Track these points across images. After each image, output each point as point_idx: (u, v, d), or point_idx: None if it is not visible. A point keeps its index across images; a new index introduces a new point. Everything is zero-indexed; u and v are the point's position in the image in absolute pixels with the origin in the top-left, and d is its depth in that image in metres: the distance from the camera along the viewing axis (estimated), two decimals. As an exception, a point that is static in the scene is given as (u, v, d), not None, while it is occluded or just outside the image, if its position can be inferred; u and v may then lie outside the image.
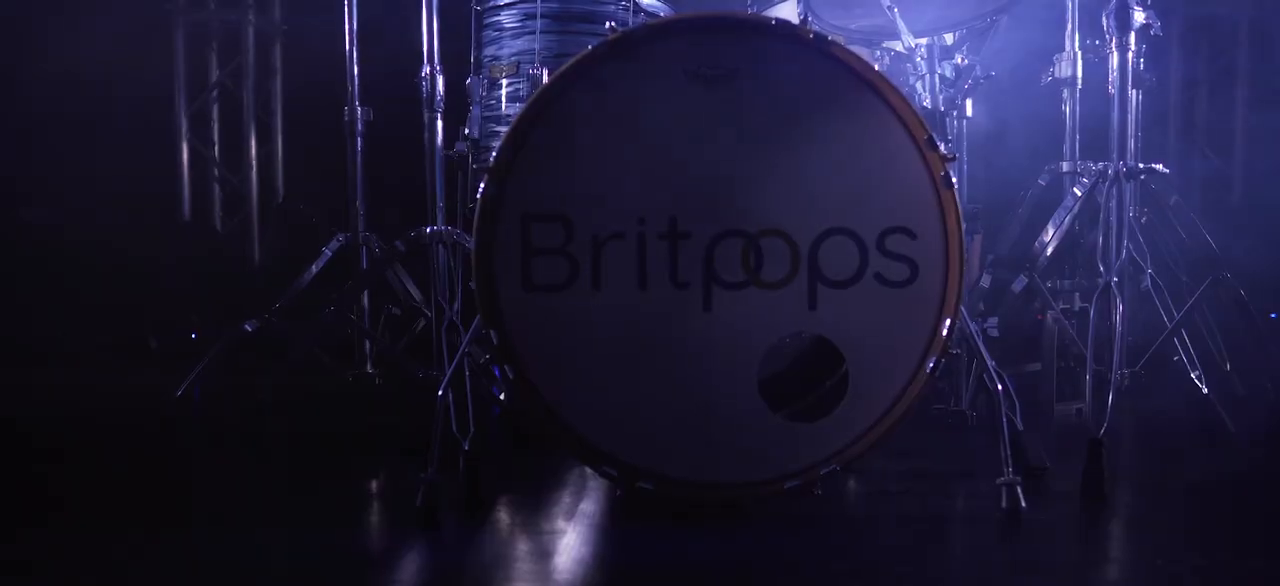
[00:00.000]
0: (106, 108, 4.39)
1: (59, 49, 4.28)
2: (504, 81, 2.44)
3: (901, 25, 1.92)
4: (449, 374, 1.80)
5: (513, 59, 2.44)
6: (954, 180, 1.65)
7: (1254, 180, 4.69)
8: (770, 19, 1.70)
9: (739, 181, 1.69)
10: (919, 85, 1.96)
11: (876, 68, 1.67)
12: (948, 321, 1.64)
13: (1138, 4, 2.10)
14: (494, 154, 1.73)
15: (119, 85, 4.42)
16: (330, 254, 2.49)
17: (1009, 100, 2.92)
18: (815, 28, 1.73)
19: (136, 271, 4.31)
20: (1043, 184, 2.60)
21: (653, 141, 1.70)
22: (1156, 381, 2.38)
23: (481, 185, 1.72)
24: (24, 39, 4.31)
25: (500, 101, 2.46)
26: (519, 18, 2.43)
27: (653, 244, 1.70)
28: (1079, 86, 2.56)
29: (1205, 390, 2.22)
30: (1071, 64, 2.51)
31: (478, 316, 1.73)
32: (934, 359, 1.65)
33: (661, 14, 2.49)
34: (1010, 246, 2.62)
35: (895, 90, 1.65)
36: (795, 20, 2.20)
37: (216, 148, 4.88)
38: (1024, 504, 1.66)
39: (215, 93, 4.84)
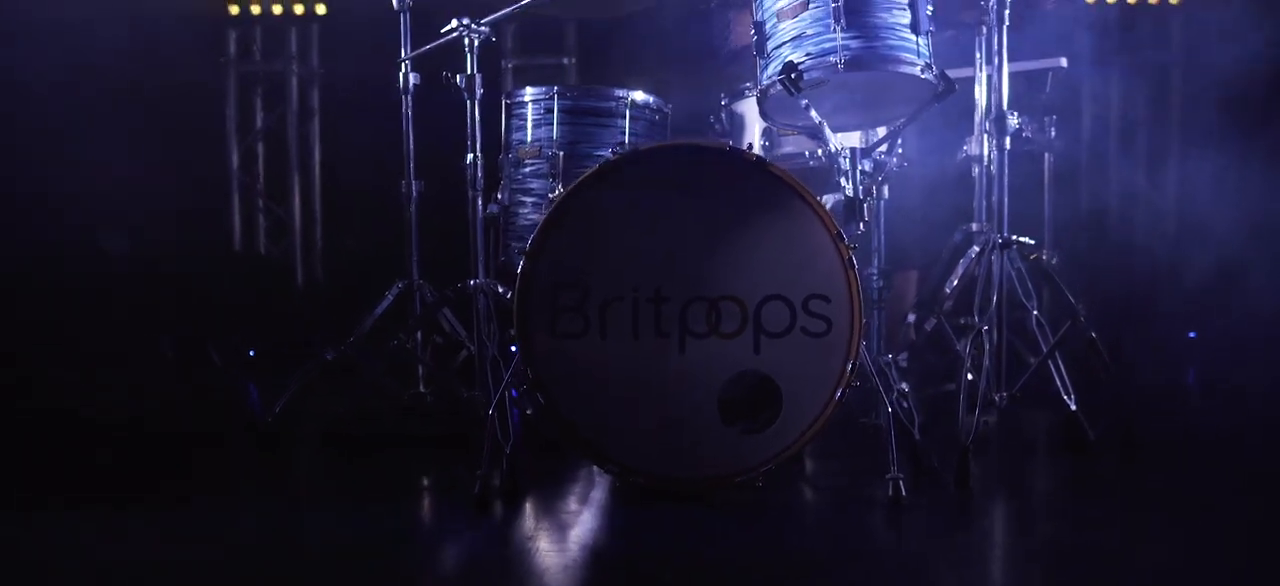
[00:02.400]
0: (169, 148, 5.05)
1: (131, 97, 4.94)
2: (528, 161, 3.11)
3: (828, 133, 2.59)
4: (495, 399, 2.48)
5: (535, 143, 3.09)
6: (855, 263, 2.32)
7: (1186, 207, 5.36)
8: (726, 146, 2.38)
9: (704, 261, 2.37)
10: (843, 180, 2.62)
11: (801, 183, 2.35)
12: (851, 363, 2.32)
13: (1012, 111, 2.78)
14: (530, 240, 2.40)
15: (180, 129, 5.10)
16: (392, 298, 3.15)
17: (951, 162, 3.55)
18: (759, 151, 2.39)
19: (198, 292, 4.97)
20: (957, 240, 3.27)
21: (643, 231, 2.38)
22: (1042, 399, 3.04)
23: (521, 263, 2.39)
24: (100, 87, 4.97)
25: (525, 177, 3.12)
26: (541, 111, 3.10)
27: (643, 305, 2.39)
28: (986, 163, 3.20)
29: (1073, 407, 2.87)
30: (979, 144, 3.16)
31: (516, 356, 2.41)
32: (841, 390, 2.33)
33: (653, 104, 3.15)
34: (929, 291, 3.29)
35: (814, 197, 2.33)
36: (756, 122, 2.88)
37: (262, 181, 5.54)
38: (905, 491, 2.34)
39: (261, 134, 5.50)
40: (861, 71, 2.48)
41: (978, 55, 3.27)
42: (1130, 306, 4.54)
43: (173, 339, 4.79)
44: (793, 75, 2.49)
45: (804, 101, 2.53)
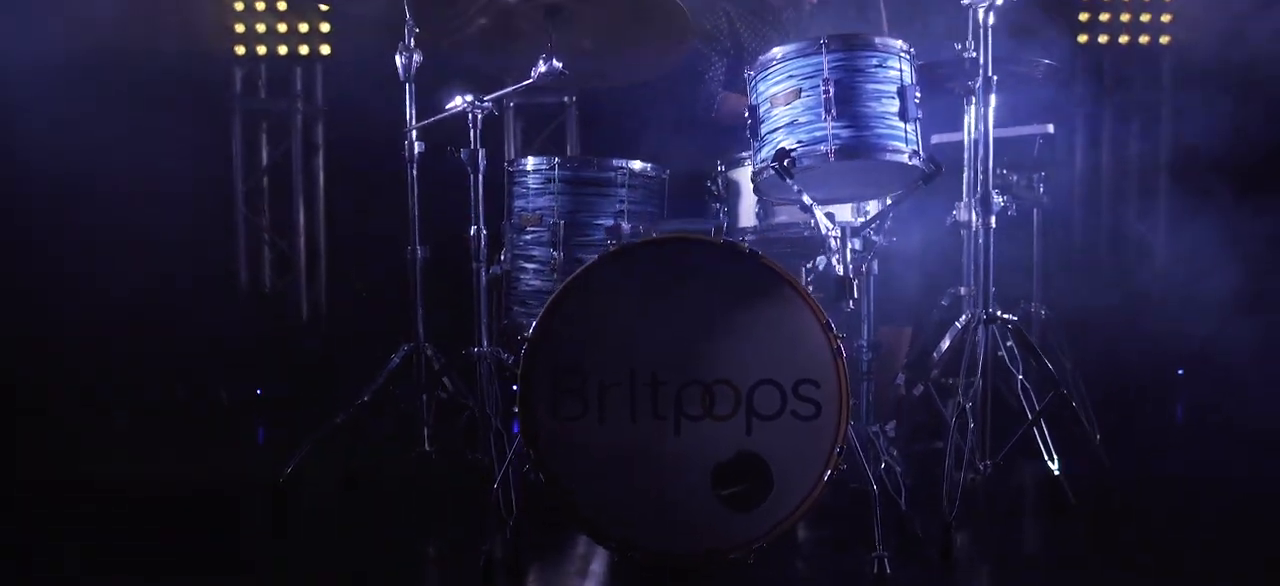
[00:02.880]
0: (175, 185, 5.15)
1: (137, 138, 5.02)
2: (530, 228, 3.20)
3: (819, 215, 2.68)
4: (499, 475, 2.58)
5: (536, 212, 3.19)
6: (843, 351, 2.42)
7: (1175, 243, 5.47)
8: (720, 240, 2.47)
9: (699, 346, 2.47)
10: (834, 259, 2.71)
11: (791, 274, 2.45)
12: (839, 447, 2.42)
13: (997, 189, 2.88)
14: (532, 327, 2.49)
15: (187, 168, 5.19)
16: (398, 361, 3.25)
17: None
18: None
19: (205, 332, 5.07)
20: (945, 304, 3.37)
21: (640, 318, 2.48)
22: (1029, 452, 3.14)
23: (524, 350, 2.48)
24: (108, 130, 5.06)
25: (527, 243, 3.21)
26: (541, 180, 3.19)
27: (640, 389, 2.48)
28: (973, 225, 3.28)
29: (1056, 472, 2.97)
30: (967, 211, 3.24)
31: (519, 436, 2.51)
32: (830, 472, 2.43)
33: (651, 172, 3.24)
34: (918, 354, 3.39)
35: (804, 288, 2.43)
36: (751, 189, 2.97)
37: (267, 217, 5.64)
38: (890, 569, 2.43)
39: (266, 170, 5.59)
40: (851, 160, 2.58)
41: (966, 119, 3.36)
42: (1119, 352, 4.65)
43: (226, 389, 4.91)
44: (785, 162, 2.59)
45: (796, 187, 2.63)
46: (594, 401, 2.48)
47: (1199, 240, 4.90)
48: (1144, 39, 5.46)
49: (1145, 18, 5.44)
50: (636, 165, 3.18)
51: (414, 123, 3.19)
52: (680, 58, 3.13)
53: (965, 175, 3.21)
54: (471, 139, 3.00)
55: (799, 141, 2.61)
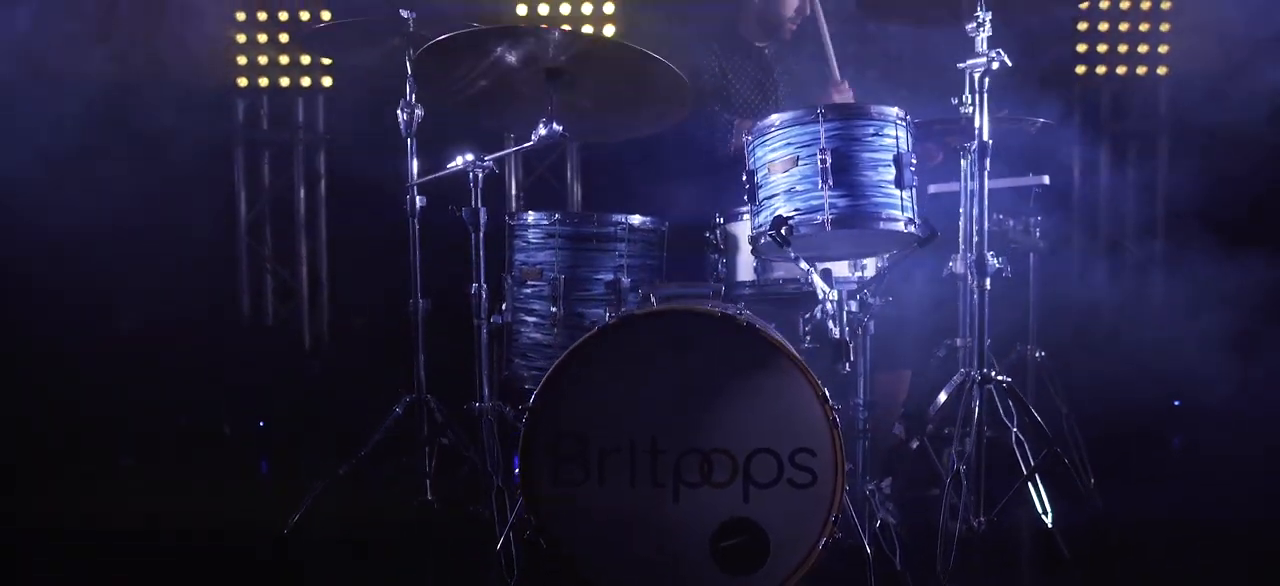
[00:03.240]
0: (178, 217, 5.20)
1: (142, 170, 5.07)
2: (530, 282, 3.24)
3: (816, 280, 2.72)
4: (502, 536, 2.61)
5: (537, 266, 3.23)
6: (838, 422, 2.46)
7: (1172, 267, 5.50)
8: (717, 312, 2.51)
9: (697, 415, 2.51)
10: (831, 323, 2.75)
11: (788, 345, 2.49)
12: (834, 515, 2.46)
13: (993, 252, 2.91)
14: (534, 396, 2.53)
15: (189, 199, 5.23)
16: (400, 412, 3.29)
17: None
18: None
19: (209, 363, 5.11)
20: (941, 355, 3.41)
21: (640, 387, 2.52)
22: (1023, 511, 3.18)
23: (526, 418, 2.52)
24: (108, 162, 5.10)
25: (527, 297, 3.25)
26: (542, 235, 3.23)
27: (640, 456, 2.52)
28: (969, 281, 3.31)
29: (1050, 525, 3.01)
30: (962, 263, 3.27)
31: (521, 499, 2.55)
32: (825, 539, 2.47)
33: (650, 225, 3.28)
34: (916, 403, 3.43)
35: (801, 359, 2.47)
36: (750, 252, 3.01)
37: (269, 246, 5.67)
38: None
39: (268, 200, 5.63)
40: (847, 229, 2.62)
41: (963, 168, 3.39)
42: (1116, 383, 4.69)
43: (229, 422, 4.95)
44: (783, 230, 2.62)
45: (793, 254, 2.67)
46: (594, 467, 2.52)
47: (1196, 269, 4.94)
48: (1141, 70, 5.49)
49: (1143, 49, 5.47)
50: (636, 220, 3.23)
51: (415, 177, 3.22)
52: (680, 118, 3.16)
53: (961, 227, 3.25)
54: (472, 197, 3.03)
55: (796, 209, 2.65)
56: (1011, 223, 3.84)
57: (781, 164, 2.68)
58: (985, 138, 2.83)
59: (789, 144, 2.68)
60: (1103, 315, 5.27)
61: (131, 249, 4.96)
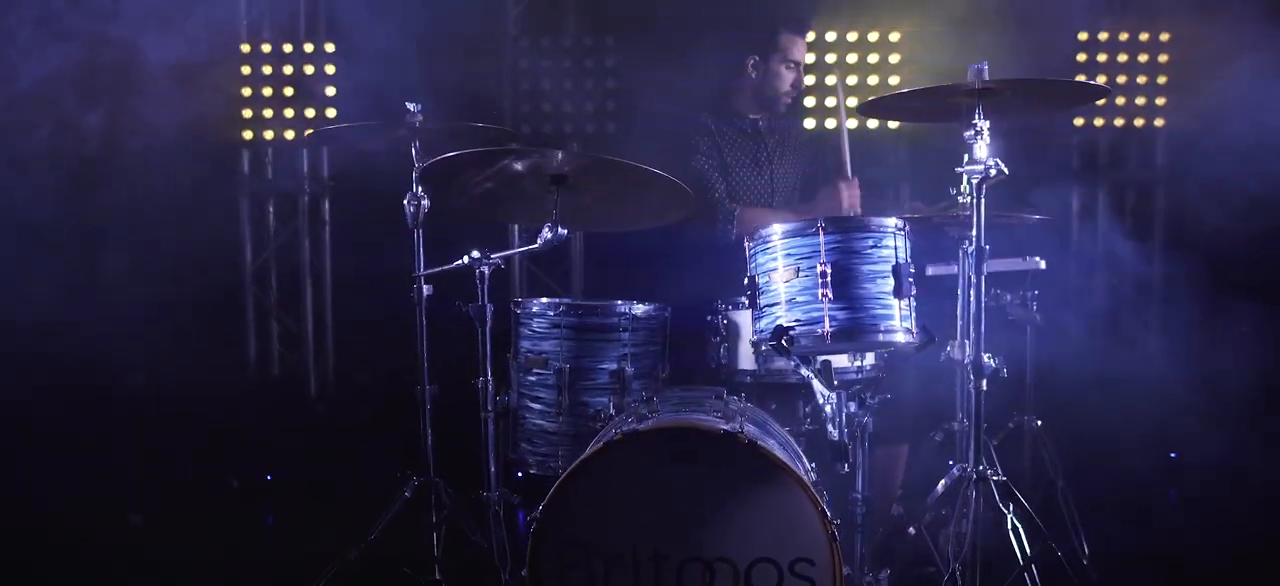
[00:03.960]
0: (184, 265, 5.25)
1: (149, 224, 5.13)
2: (535, 370, 3.30)
3: (816, 385, 2.78)
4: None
5: (542, 355, 3.29)
6: (837, 535, 2.52)
7: (1169, 316, 5.56)
8: (720, 430, 2.56)
9: (700, 525, 2.57)
10: (830, 426, 2.81)
11: (788, 462, 2.55)
12: (834, 625, 2.53)
13: (987, 352, 2.97)
14: (540, 508, 2.59)
15: (195, 251, 5.29)
16: (409, 495, 3.35)
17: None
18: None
19: (216, 414, 5.16)
20: (938, 440, 3.47)
21: (643, 499, 2.58)
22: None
23: (533, 528, 2.58)
24: (116, 221, 5.16)
25: (532, 384, 3.31)
26: (547, 324, 3.29)
27: (644, 564, 2.58)
28: (966, 355, 3.34)
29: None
30: (960, 350, 3.32)
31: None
32: (825, 649, 2.53)
33: (653, 313, 3.34)
34: (913, 482, 3.49)
35: (801, 477, 2.53)
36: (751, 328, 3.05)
37: (275, 294, 5.73)
38: None
39: (274, 249, 5.69)
40: (847, 342, 2.68)
41: (961, 254, 3.44)
42: (1113, 437, 4.75)
43: (236, 476, 5.01)
44: (784, 340, 2.69)
45: (794, 362, 2.73)
46: (599, 576, 2.58)
47: (1193, 322, 5.00)
48: (1139, 122, 5.55)
49: (1140, 101, 5.52)
50: (639, 310, 3.28)
51: (422, 268, 3.28)
52: (682, 217, 3.21)
53: (959, 313, 3.30)
54: (479, 294, 3.09)
55: (797, 320, 2.71)
56: (1009, 297, 3.91)
57: (782, 274, 2.74)
58: (983, 243, 2.88)
59: (790, 254, 2.74)
60: (1101, 368, 5.34)
61: (138, 303, 5.02)
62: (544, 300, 3.35)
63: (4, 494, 4.41)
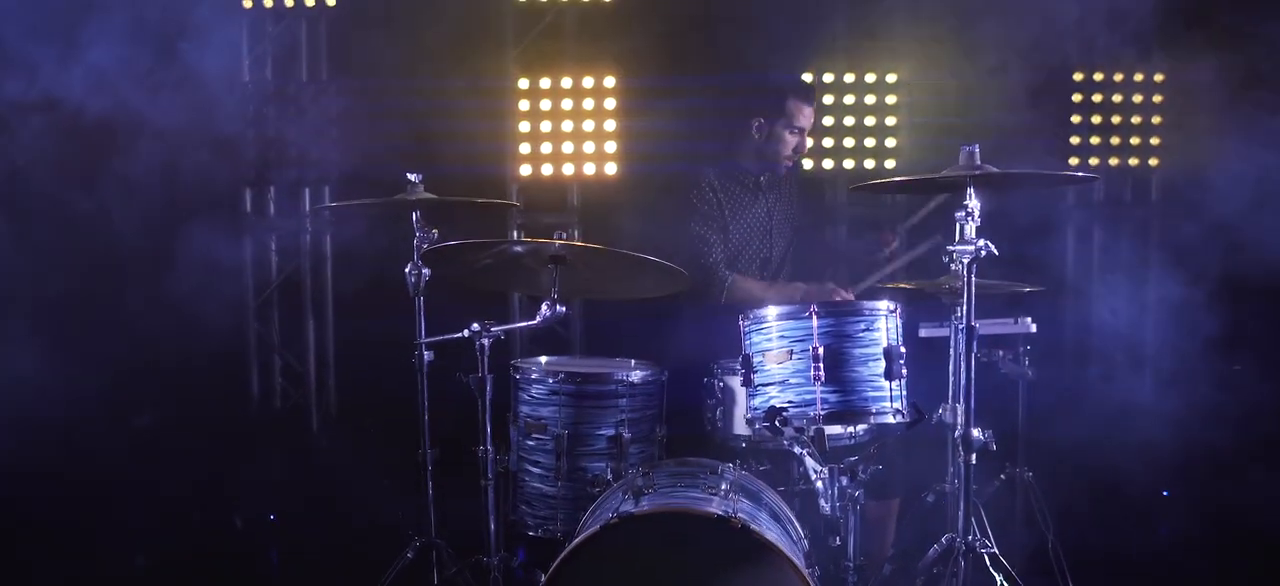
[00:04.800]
0: (188, 305, 5.30)
1: (155, 267, 5.17)
2: (534, 435, 3.36)
3: (809, 462, 2.84)
4: None
5: (541, 421, 3.35)
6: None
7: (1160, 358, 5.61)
8: (714, 515, 2.62)
9: (695, 606, 2.63)
10: (822, 501, 2.87)
11: (779, 542, 2.61)
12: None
13: (976, 427, 3.02)
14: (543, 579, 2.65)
15: (199, 290, 5.34)
16: (411, 556, 3.41)
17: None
18: (742, 517, 2.66)
19: (221, 452, 5.22)
20: (929, 501, 3.53)
21: (639, 579, 2.64)
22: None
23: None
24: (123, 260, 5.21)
25: (531, 448, 3.37)
26: (545, 391, 3.35)
27: (640, 644, 2.64)
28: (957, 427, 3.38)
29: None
30: (951, 414, 3.35)
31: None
32: None
33: (650, 378, 3.40)
34: (905, 540, 3.55)
35: (792, 558, 2.59)
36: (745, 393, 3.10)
37: (278, 330, 5.79)
38: None
39: (276, 286, 5.74)
40: (839, 424, 2.73)
41: (952, 323, 3.48)
42: (1106, 473, 4.81)
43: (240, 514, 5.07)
44: (777, 422, 2.74)
45: (787, 442, 2.79)
46: (597, 656, 2.65)
47: (1186, 357, 5.05)
48: (1134, 162, 5.60)
49: (1135, 141, 5.57)
50: (636, 377, 3.34)
51: (424, 336, 3.34)
52: (678, 290, 3.26)
53: (950, 376, 3.34)
54: (480, 366, 3.14)
55: (790, 402, 2.77)
56: (1001, 352, 3.96)
57: (776, 356, 2.80)
58: (973, 321, 2.92)
59: (783, 337, 2.80)
60: (1093, 397, 5.39)
61: (146, 341, 5.07)
62: (543, 362, 3.41)
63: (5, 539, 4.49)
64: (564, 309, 2.99)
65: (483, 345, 3.13)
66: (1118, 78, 5.48)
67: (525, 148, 5.20)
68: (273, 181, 5.51)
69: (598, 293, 3.47)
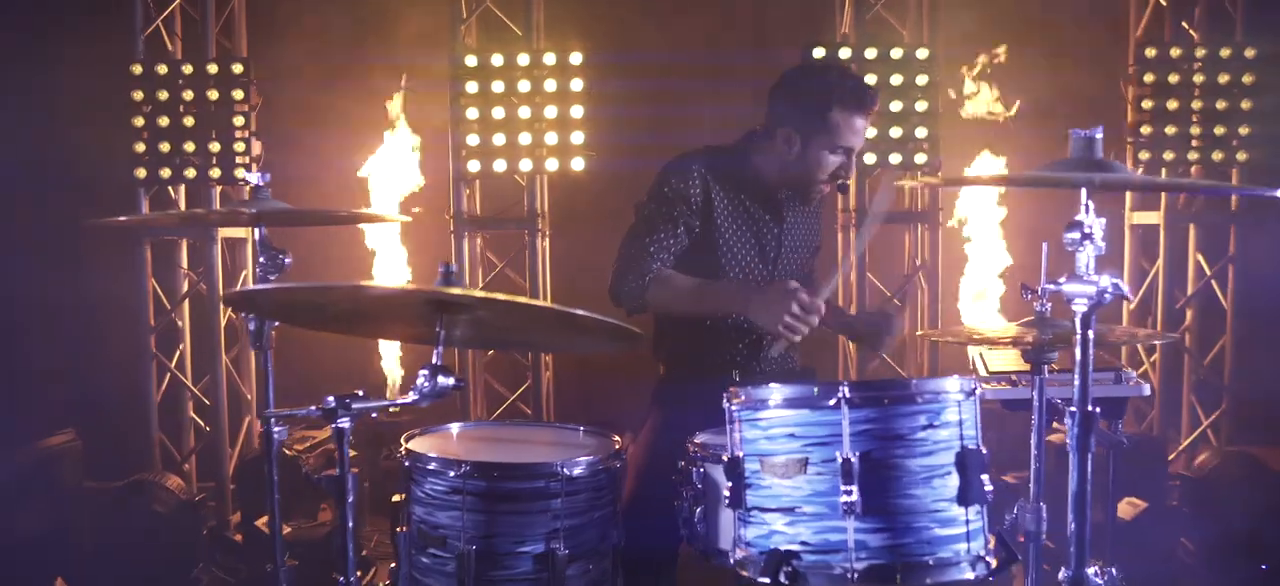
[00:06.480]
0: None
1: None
2: (431, 549, 2.32)
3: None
4: None
5: (439, 532, 2.30)
6: None
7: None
8: None
9: None
10: None
11: None
12: None
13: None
14: None
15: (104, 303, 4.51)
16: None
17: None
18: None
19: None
20: None
21: None
22: None
23: None
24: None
25: (426, 568, 2.33)
26: (445, 488, 2.29)
27: None
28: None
29: None
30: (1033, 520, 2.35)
31: None
32: None
33: (598, 467, 2.34)
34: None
35: None
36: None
37: (188, 351, 4.82)
38: None
39: (185, 301, 4.79)
40: (885, 583, 1.67)
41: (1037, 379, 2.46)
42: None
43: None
44: (782, 577, 1.69)
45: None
46: None
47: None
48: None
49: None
50: (578, 469, 2.27)
51: (272, 406, 2.30)
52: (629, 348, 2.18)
53: (1032, 462, 2.31)
54: (339, 459, 2.09)
55: (804, 545, 1.70)
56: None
57: (783, 467, 1.74)
58: (1089, 406, 1.87)
59: (793, 436, 1.73)
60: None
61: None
62: (451, 434, 2.37)
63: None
64: (452, 382, 1.93)
65: (341, 430, 2.07)
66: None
67: (473, 139, 4.23)
68: None
69: (519, 345, 2.43)
